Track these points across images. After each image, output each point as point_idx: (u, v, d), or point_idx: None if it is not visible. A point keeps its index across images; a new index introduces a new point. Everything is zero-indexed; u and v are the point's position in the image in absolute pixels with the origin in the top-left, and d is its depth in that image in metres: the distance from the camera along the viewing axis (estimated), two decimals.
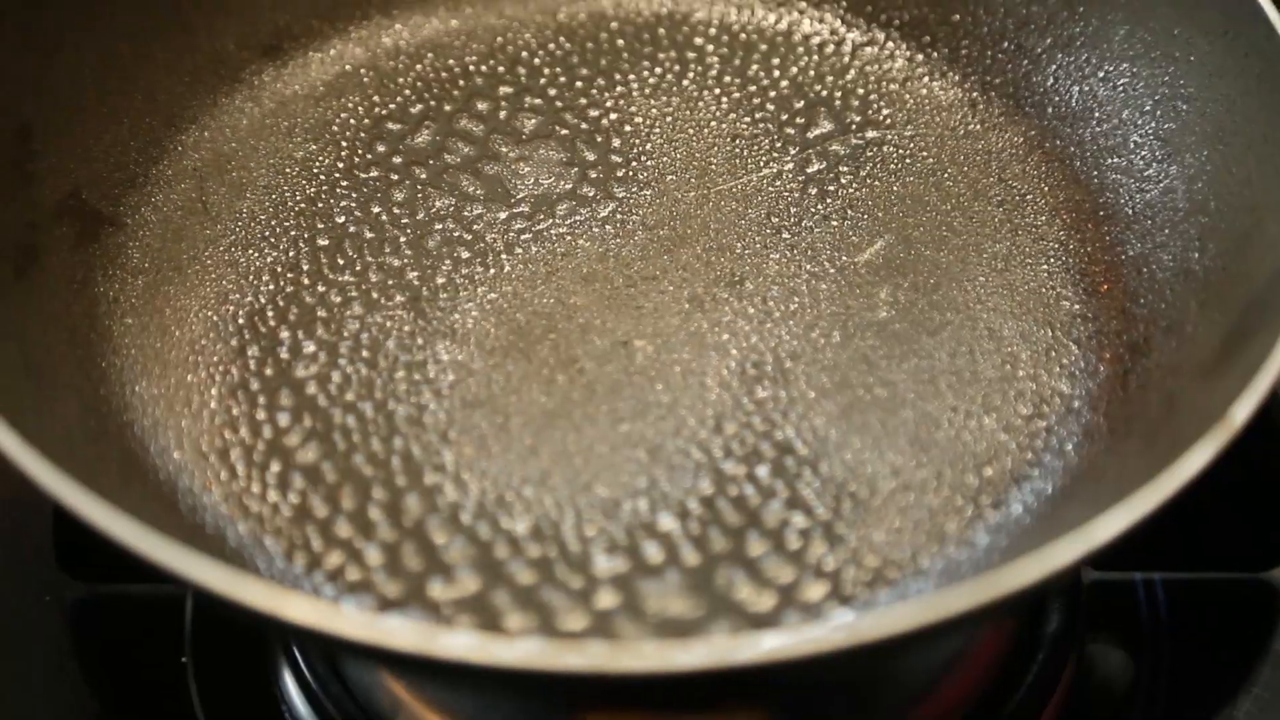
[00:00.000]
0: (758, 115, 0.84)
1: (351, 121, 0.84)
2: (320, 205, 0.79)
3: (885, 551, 0.65)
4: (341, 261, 0.77)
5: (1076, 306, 0.75)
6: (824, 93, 0.86)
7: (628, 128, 0.84)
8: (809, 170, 0.81)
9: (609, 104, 0.85)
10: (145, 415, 0.70)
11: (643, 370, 0.72)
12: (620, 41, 0.89)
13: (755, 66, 0.87)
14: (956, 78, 0.86)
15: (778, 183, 0.81)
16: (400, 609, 0.63)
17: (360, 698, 0.74)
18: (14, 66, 0.75)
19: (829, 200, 0.80)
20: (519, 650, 0.51)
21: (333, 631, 0.53)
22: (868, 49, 0.88)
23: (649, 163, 0.82)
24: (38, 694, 0.76)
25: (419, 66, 0.87)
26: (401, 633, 0.52)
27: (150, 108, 0.81)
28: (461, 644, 0.51)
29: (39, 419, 0.63)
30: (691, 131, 0.84)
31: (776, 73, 0.87)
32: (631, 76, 0.87)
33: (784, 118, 0.84)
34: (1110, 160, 0.80)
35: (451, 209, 0.79)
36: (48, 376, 0.68)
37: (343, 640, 0.53)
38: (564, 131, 0.84)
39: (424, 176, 0.81)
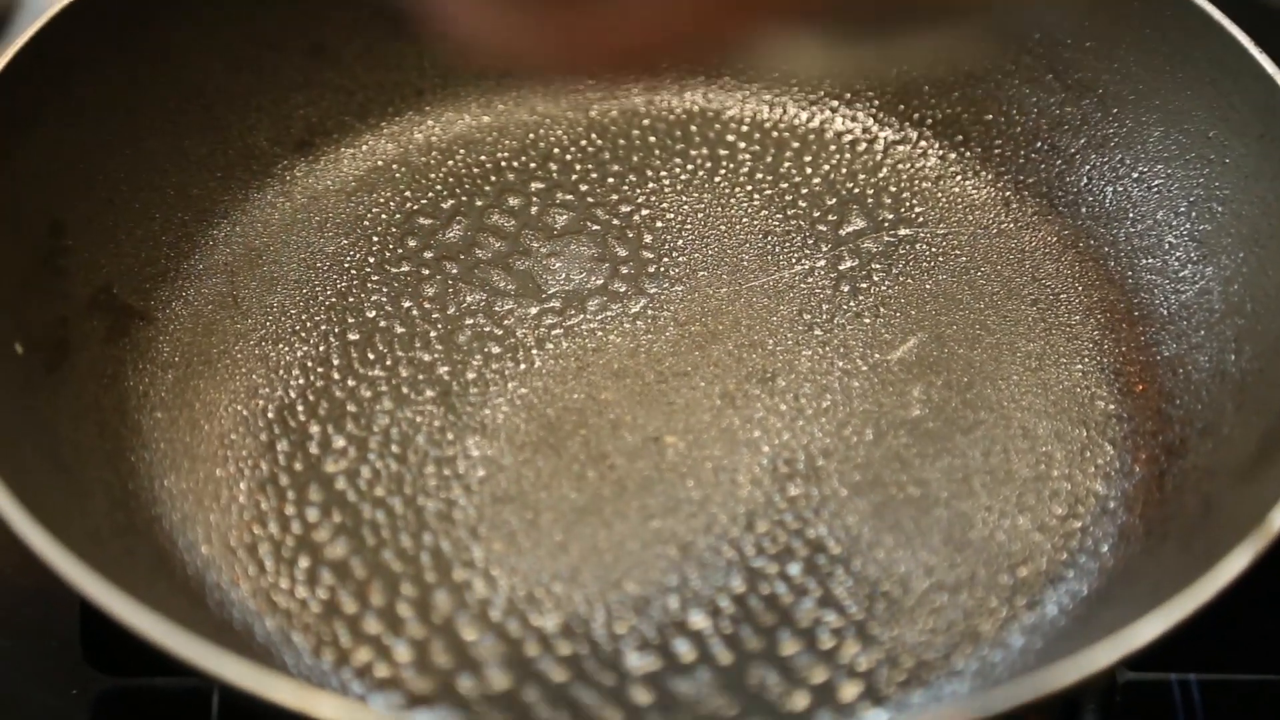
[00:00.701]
0: (790, 212, 0.84)
1: (383, 216, 0.84)
2: (351, 300, 0.79)
3: (919, 652, 0.65)
4: (372, 356, 0.76)
5: (1111, 406, 0.74)
6: (856, 190, 0.86)
7: (659, 224, 0.84)
8: (841, 267, 0.81)
9: (640, 200, 0.85)
10: (174, 509, 0.70)
11: (674, 466, 0.72)
12: (652, 138, 0.89)
13: (787, 163, 0.87)
14: (990, 176, 0.86)
15: (810, 279, 0.80)
16: (429, 706, 0.62)
17: None
18: (46, 163, 0.75)
19: (861, 297, 0.80)
20: None
21: None
22: (900, 147, 0.88)
23: (680, 259, 0.82)
24: None
25: (451, 162, 0.87)
26: None
27: (182, 203, 0.82)
28: None
29: (67, 513, 0.63)
30: (723, 228, 0.84)
31: (809, 170, 0.87)
32: (663, 173, 0.87)
33: (816, 214, 0.84)
34: (1145, 261, 0.79)
35: (482, 304, 0.79)
36: (76, 470, 0.68)
37: None
38: (595, 227, 0.84)
39: (455, 271, 0.81)
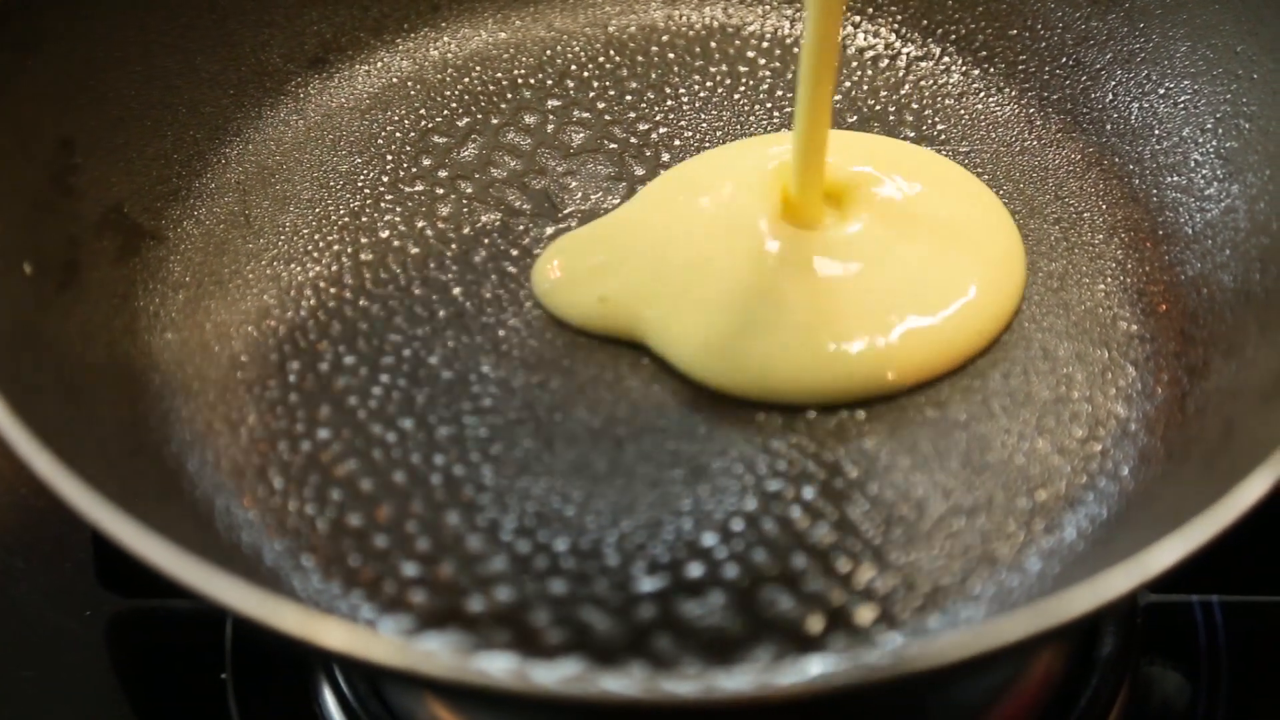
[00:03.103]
0: None
1: (397, 135, 0.83)
2: (364, 219, 0.79)
3: (935, 576, 0.64)
4: (385, 276, 0.76)
5: (1134, 327, 0.73)
6: (878, 107, 0.85)
7: (677, 142, 0.83)
8: None
9: (658, 118, 0.84)
10: (184, 431, 0.69)
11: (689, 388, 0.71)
12: (671, 55, 0.88)
13: None
14: (1013, 93, 0.85)
15: None
16: (439, 629, 0.62)
17: (401, 717, 0.73)
18: (56, 80, 0.75)
19: None
20: (557, 674, 0.51)
21: (368, 657, 0.52)
22: (923, 63, 0.87)
23: None
24: (77, 710, 0.76)
25: (466, 79, 0.86)
26: (438, 658, 0.51)
27: (194, 120, 0.81)
28: (499, 668, 0.51)
29: (75, 435, 0.62)
30: None
31: None
32: (682, 90, 0.86)
33: None
34: (1170, 178, 0.78)
35: (498, 224, 0.78)
36: (86, 392, 0.67)
37: (378, 666, 0.52)
38: (612, 145, 0.83)
39: (470, 190, 0.80)
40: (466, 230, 0.78)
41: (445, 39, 0.88)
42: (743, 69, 0.87)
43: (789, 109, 0.84)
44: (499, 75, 0.87)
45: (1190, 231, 0.76)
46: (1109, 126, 0.82)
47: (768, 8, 0.90)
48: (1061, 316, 0.74)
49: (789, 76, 0.86)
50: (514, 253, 0.77)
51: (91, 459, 0.60)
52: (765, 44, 0.88)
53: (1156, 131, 0.80)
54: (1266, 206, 0.73)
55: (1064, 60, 0.85)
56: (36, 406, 0.60)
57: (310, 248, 0.77)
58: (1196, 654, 0.77)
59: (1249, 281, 0.72)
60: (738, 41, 0.89)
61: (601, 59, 0.88)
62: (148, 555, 0.53)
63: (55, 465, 0.56)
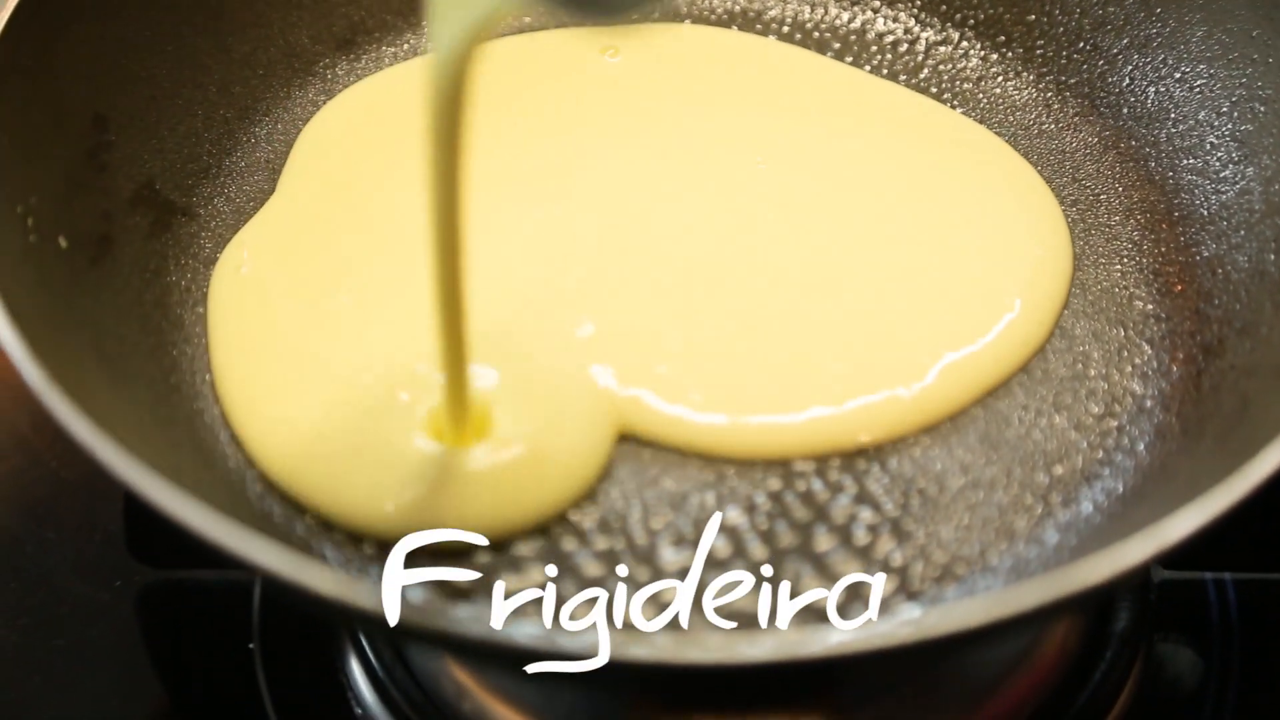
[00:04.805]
0: None
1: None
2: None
3: (953, 548, 0.65)
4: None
5: (1150, 307, 0.74)
6: None
7: None
8: None
9: None
10: (216, 403, 0.70)
11: None
12: None
13: None
14: (1031, 77, 0.85)
15: None
16: (467, 598, 0.63)
17: (426, 685, 0.73)
18: (89, 58, 0.75)
19: None
20: (584, 641, 0.51)
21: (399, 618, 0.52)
22: (942, 48, 0.87)
23: None
24: (106, 679, 0.76)
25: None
26: (467, 622, 0.52)
27: (224, 100, 0.82)
28: (526, 634, 0.51)
29: (111, 406, 0.63)
30: None
31: None
32: None
33: None
34: (1186, 161, 0.79)
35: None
36: (120, 364, 0.68)
37: (409, 628, 0.53)
38: None
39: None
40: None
41: None
42: None
43: None
44: None
45: (1206, 213, 0.77)
46: (1126, 110, 0.82)
47: None
48: (1078, 296, 0.74)
49: None
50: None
51: (126, 428, 0.60)
52: (785, 28, 0.89)
53: (1173, 115, 0.81)
54: None
55: (1081, 45, 0.85)
56: (74, 378, 0.60)
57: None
58: (1209, 631, 0.77)
59: (1264, 262, 0.72)
60: (758, 26, 0.89)
61: None
62: (186, 520, 0.54)
63: (94, 431, 0.56)
